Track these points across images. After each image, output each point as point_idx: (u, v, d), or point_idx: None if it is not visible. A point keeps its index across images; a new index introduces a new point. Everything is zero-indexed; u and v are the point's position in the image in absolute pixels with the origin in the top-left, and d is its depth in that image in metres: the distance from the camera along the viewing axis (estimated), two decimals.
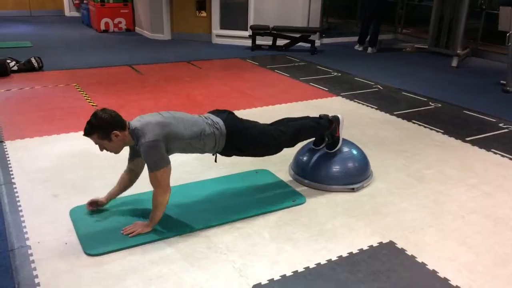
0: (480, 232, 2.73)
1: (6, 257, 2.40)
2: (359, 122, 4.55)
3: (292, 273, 2.32)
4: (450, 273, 2.35)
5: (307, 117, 3.22)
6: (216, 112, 2.86)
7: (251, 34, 8.09)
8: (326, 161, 3.19)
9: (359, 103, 5.18)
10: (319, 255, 2.47)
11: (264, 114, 4.68)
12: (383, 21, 8.48)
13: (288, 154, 3.19)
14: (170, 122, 2.56)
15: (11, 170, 3.34)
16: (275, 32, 7.99)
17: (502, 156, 3.84)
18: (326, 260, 2.42)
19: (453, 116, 4.83)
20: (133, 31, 9.99)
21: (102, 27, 9.76)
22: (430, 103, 5.27)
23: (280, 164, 3.42)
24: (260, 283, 2.24)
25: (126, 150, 2.69)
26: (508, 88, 5.87)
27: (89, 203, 2.77)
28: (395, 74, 6.64)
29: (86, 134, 2.50)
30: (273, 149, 2.97)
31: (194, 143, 2.62)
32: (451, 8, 7.50)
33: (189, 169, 3.33)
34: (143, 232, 2.56)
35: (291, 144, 3.04)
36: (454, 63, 7.21)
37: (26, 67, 6.19)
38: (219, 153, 2.81)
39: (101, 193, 2.99)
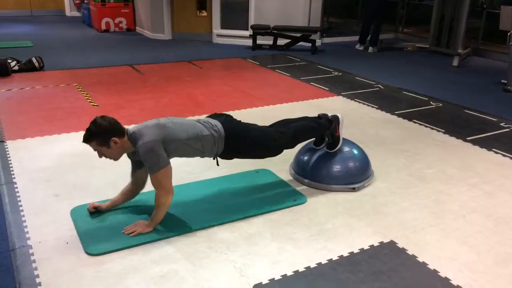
0: (481, 232, 2.73)
1: (7, 256, 2.40)
2: (360, 121, 4.55)
3: (293, 273, 2.32)
4: (451, 272, 2.35)
5: (307, 118, 3.22)
6: (214, 116, 2.87)
7: (251, 33, 8.08)
8: (327, 161, 3.19)
9: (360, 102, 5.18)
10: (320, 254, 2.47)
11: (265, 114, 4.68)
12: (384, 21, 8.48)
13: (289, 153, 3.19)
14: (167, 125, 2.59)
15: (12, 170, 3.35)
16: (275, 31, 7.99)
17: (503, 155, 3.83)
18: (327, 260, 2.42)
19: (454, 116, 4.83)
20: (133, 31, 10.00)
21: (103, 27, 9.76)
22: (431, 102, 5.26)
23: (280, 164, 3.42)
24: (261, 282, 2.24)
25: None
26: (509, 88, 5.86)
27: (92, 206, 2.77)
28: (396, 74, 6.64)
29: (85, 140, 2.53)
30: (273, 151, 2.97)
31: (192, 143, 2.63)
32: (452, 7, 7.49)
33: (190, 169, 3.33)
34: (144, 232, 2.56)
35: (291, 145, 3.04)
36: (455, 62, 7.20)
37: (27, 67, 6.19)
38: (219, 157, 2.81)
39: (102, 193, 3.01)
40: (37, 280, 2.22)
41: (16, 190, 3.07)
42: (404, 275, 2.34)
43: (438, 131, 4.35)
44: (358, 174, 3.20)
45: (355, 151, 3.29)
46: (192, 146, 2.64)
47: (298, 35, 8.06)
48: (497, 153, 3.88)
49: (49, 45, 8.10)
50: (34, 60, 6.27)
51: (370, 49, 8.20)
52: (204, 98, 5.22)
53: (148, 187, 2.79)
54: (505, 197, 3.15)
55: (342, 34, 9.66)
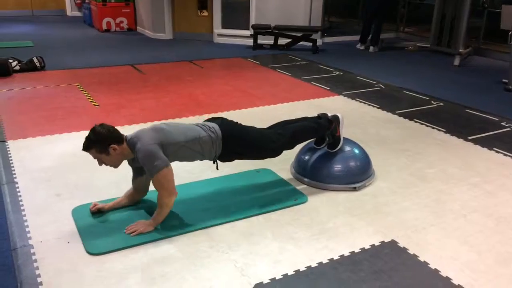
0: (482, 231, 2.73)
1: (9, 256, 2.40)
2: (361, 121, 4.55)
3: (294, 272, 2.32)
4: (452, 272, 2.35)
5: (307, 118, 3.22)
6: (211, 120, 2.90)
7: (252, 33, 8.08)
8: (328, 160, 3.19)
9: (361, 102, 5.18)
10: (321, 254, 2.47)
11: (265, 114, 4.68)
12: (385, 20, 8.47)
13: (290, 153, 3.19)
14: (164, 128, 2.63)
15: (14, 170, 3.35)
16: (276, 31, 7.99)
17: (505, 155, 3.83)
18: (328, 259, 2.43)
19: (455, 115, 4.82)
20: (134, 30, 10.00)
21: (104, 26, 9.77)
22: (432, 102, 5.26)
23: (281, 163, 3.42)
24: (262, 282, 2.25)
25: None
26: (510, 87, 5.85)
27: (95, 208, 2.78)
28: (397, 73, 6.64)
29: (85, 148, 2.55)
30: (272, 152, 2.99)
31: (191, 146, 2.65)
32: (453, 6, 7.48)
33: (190, 168, 3.33)
34: (145, 232, 2.57)
35: (290, 146, 3.05)
36: (456, 62, 7.19)
37: (28, 67, 6.20)
38: (219, 160, 2.83)
39: (103, 193, 3.01)
40: (39, 280, 2.22)
41: (17, 189, 3.08)
42: (405, 274, 2.34)
43: (439, 130, 4.35)
44: (359, 174, 3.20)
45: (356, 151, 3.28)
46: (192, 149, 2.66)
47: (299, 34, 8.06)
48: (498, 152, 3.88)
49: (50, 45, 8.11)
50: (35, 60, 6.27)
51: (371, 48, 8.19)
52: (205, 98, 5.22)
53: (151, 186, 2.80)
54: (506, 196, 3.15)
55: (343, 33, 9.65)
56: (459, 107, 5.09)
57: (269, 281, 2.26)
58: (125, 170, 2.80)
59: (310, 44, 8.00)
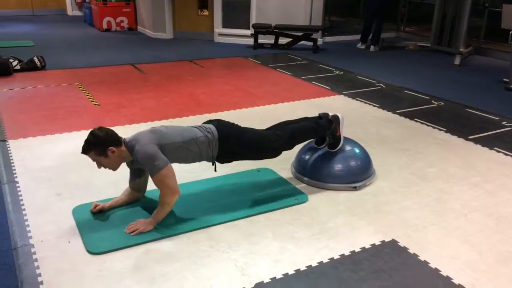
0: (483, 231, 2.72)
1: (10, 255, 2.41)
2: (362, 120, 4.55)
3: (295, 272, 2.32)
4: (453, 271, 2.35)
5: (307, 119, 3.22)
6: (208, 121, 2.92)
7: (253, 32, 8.08)
8: (328, 160, 3.18)
9: (361, 101, 5.18)
10: (321, 253, 2.47)
11: (266, 113, 4.68)
12: (385, 19, 8.46)
13: (290, 152, 3.19)
14: (161, 129, 2.66)
15: (14, 169, 3.35)
16: (277, 30, 7.99)
17: (505, 154, 3.83)
18: (329, 259, 2.43)
19: (456, 114, 4.82)
20: (135, 30, 10.00)
21: (104, 26, 9.77)
22: (433, 101, 5.26)
23: (282, 163, 3.42)
24: (263, 281, 2.25)
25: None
26: (511, 86, 5.85)
27: (96, 208, 2.79)
28: (397, 73, 6.63)
29: (84, 151, 2.58)
30: (271, 152, 2.99)
31: (188, 146, 2.66)
32: (454, 6, 7.47)
33: (190, 168, 3.32)
34: (145, 231, 2.57)
35: (289, 147, 3.05)
36: (457, 61, 7.19)
37: (29, 66, 6.20)
38: (217, 161, 2.84)
39: (103, 192, 3.01)
40: (39, 279, 2.22)
41: (18, 189, 3.08)
42: (406, 273, 2.34)
43: (440, 130, 4.35)
44: (360, 173, 3.20)
45: (357, 150, 3.28)
46: (189, 149, 2.68)
47: (300, 34, 8.06)
48: (498, 152, 3.87)
49: (50, 45, 8.11)
50: (35, 59, 6.27)
51: (372, 48, 8.19)
52: (206, 97, 5.22)
53: (151, 185, 2.80)
54: (507, 196, 3.15)
55: (343, 33, 9.65)
56: (460, 106, 5.09)
57: (270, 280, 2.26)
58: (125, 169, 2.81)
59: (311, 43, 8.00)
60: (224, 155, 2.82)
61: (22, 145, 3.77)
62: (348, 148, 3.24)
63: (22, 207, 2.85)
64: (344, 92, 5.50)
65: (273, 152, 2.99)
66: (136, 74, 6.25)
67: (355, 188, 3.14)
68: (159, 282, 2.22)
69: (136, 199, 2.89)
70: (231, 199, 2.98)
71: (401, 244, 2.57)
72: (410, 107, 5.02)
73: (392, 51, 8.22)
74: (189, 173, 3.27)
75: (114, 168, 2.66)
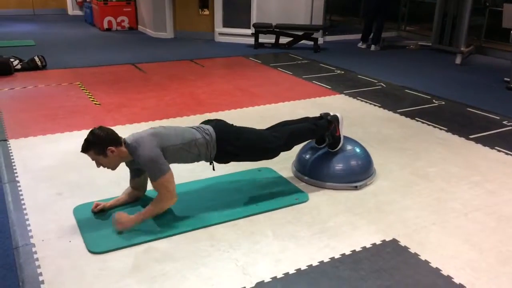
0: (484, 230, 2.72)
1: (11, 255, 2.41)
2: (362, 120, 4.55)
3: (295, 271, 2.33)
4: (453, 270, 2.35)
5: (307, 119, 3.22)
6: (206, 122, 2.93)
7: (254, 32, 8.08)
8: (329, 159, 3.18)
9: (362, 101, 5.17)
10: (322, 253, 2.47)
11: (267, 112, 4.68)
12: (386, 19, 8.45)
13: (291, 152, 3.18)
14: (162, 132, 2.66)
15: (15, 169, 3.36)
16: (278, 30, 7.99)
17: (506, 154, 3.82)
18: (329, 258, 2.43)
19: (457, 114, 4.82)
20: (136, 29, 10.01)
21: (105, 25, 9.78)
22: (434, 100, 5.25)
23: (282, 162, 3.42)
24: (263, 281, 2.25)
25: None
26: None
27: (97, 208, 2.79)
28: (398, 72, 6.63)
29: (83, 150, 2.59)
30: (269, 153, 2.99)
31: (188, 148, 2.68)
32: (455, 5, 7.47)
33: (191, 167, 3.32)
34: (126, 227, 2.55)
35: (287, 148, 3.04)
36: (458, 60, 7.18)
37: (30, 66, 6.20)
38: (215, 161, 2.84)
39: (104, 192, 3.01)
40: (40, 278, 2.23)
41: (19, 188, 3.08)
42: (406, 273, 2.34)
43: (441, 129, 4.34)
44: (360, 173, 3.20)
45: (357, 150, 3.28)
46: (188, 150, 2.69)
47: (300, 33, 8.06)
48: (499, 151, 3.87)
49: (51, 44, 8.12)
50: (36, 59, 6.28)
51: (373, 47, 8.19)
52: (206, 97, 5.22)
53: (151, 185, 2.80)
54: (508, 195, 3.15)
55: (344, 32, 9.65)
56: (461, 106, 5.09)
57: (271, 280, 2.26)
58: (126, 169, 2.81)
59: (312, 43, 7.99)
60: (221, 156, 2.83)
61: (23, 145, 3.78)
62: (348, 147, 3.24)
63: (23, 207, 2.86)
64: (345, 92, 5.50)
65: (271, 154, 3.00)
66: (137, 74, 6.25)
67: (355, 188, 3.14)
68: (159, 281, 2.23)
69: (136, 197, 2.89)
70: (231, 199, 2.98)
71: (402, 243, 2.57)
72: (411, 106, 5.02)
73: (393, 50, 8.22)
74: (189, 173, 3.28)
75: (113, 167, 2.67)
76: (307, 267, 2.35)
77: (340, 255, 2.46)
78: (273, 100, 5.11)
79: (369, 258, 2.43)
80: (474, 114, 4.82)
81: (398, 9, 9.92)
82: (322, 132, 3.12)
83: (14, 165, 3.41)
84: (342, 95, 5.40)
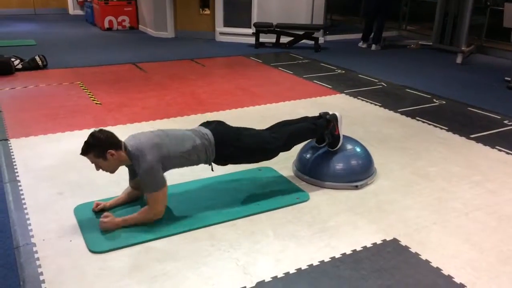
0: (484, 230, 2.72)
1: (11, 254, 2.41)
2: (363, 119, 4.55)
3: (296, 271, 2.33)
4: (454, 270, 2.35)
5: (306, 119, 3.22)
6: (206, 124, 2.91)
7: (254, 31, 8.08)
8: (330, 159, 3.18)
9: (363, 100, 5.17)
10: (322, 252, 2.47)
11: (267, 112, 4.68)
12: (387, 18, 8.45)
13: (292, 151, 3.18)
14: (164, 142, 2.64)
15: (16, 168, 3.36)
16: (278, 29, 7.98)
17: (507, 153, 3.82)
18: (330, 258, 2.43)
19: (458, 113, 4.81)
20: (136, 29, 10.01)
21: (106, 25, 9.78)
22: (434, 100, 5.25)
23: (283, 161, 3.42)
24: (264, 280, 2.25)
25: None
26: None
27: (97, 208, 2.80)
28: (399, 71, 6.62)
29: (83, 153, 2.58)
30: (268, 154, 3.00)
31: (187, 156, 2.69)
32: (456, 4, 7.46)
33: (191, 167, 3.33)
34: (109, 229, 2.57)
35: (287, 148, 3.05)
36: (459, 60, 7.18)
37: (30, 65, 6.21)
38: (214, 163, 2.85)
39: (105, 191, 3.02)
40: (41, 278, 2.23)
41: (19, 188, 3.09)
42: (407, 272, 2.34)
43: (441, 128, 4.34)
44: (361, 172, 3.20)
45: (358, 149, 3.28)
46: (188, 158, 2.71)
47: (301, 33, 8.05)
48: (500, 150, 3.87)
49: (52, 44, 8.12)
50: (37, 58, 6.28)
51: (373, 46, 8.18)
52: (207, 96, 5.22)
53: None
54: (509, 195, 3.14)
55: (345, 31, 9.64)
56: (462, 105, 5.08)
57: (271, 279, 2.26)
58: (125, 169, 2.81)
59: (312, 42, 7.99)
60: (221, 160, 2.85)
61: (24, 144, 3.78)
62: (349, 147, 3.24)
63: (24, 206, 2.86)
64: (345, 91, 5.50)
65: (270, 155, 3.00)
66: (138, 73, 6.25)
67: (356, 187, 3.14)
68: (160, 281, 2.23)
69: (136, 197, 2.90)
70: (232, 198, 2.98)
71: (403, 243, 2.57)
72: (411, 106, 5.02)
73: (394, 49, 8.22)
74: (189, 172, 3.27)
75: (112, 171, 2.66)
76: (307, 267, 2.35)
77: (341, 254, 2.46)
78: (273, 100, 5.11)
79: (370, 258, 2.43)
80: (475, 114, 4.82)
81: (398, 9, 9.91)
82: (321, 131, 3.12)
83: (15, 165, 3.41)
84: (343, 94, 5.40)
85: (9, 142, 3.82)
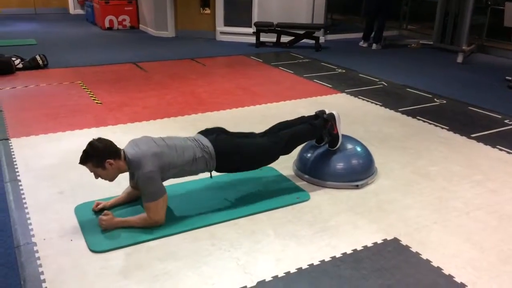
0: (485, 229, 2.72)
1: (12, 254, 2.41)
2: (364, 118, 4.54)
3: (296, 270, 2.33)
4: (455, 269, 2.35)
5: (302, 119, 3.21)
6: (205, 133, 2.88)
7: (255, 31, 8.08)
8: (330, 158, 3.18)
9: (363, 99, 5.17)
10: (323, 252, 2.47)
11: (268, 111, 4.68)
12: (388, 17, 8.44)
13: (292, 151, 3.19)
14: (164, 152, 2.62)
15: (17, 168, 3.36)
16: (279, 28, 7.98)
17: (508, 152, 3.82)
18: (330, 257, 2.43)
19: (458, 113, 4.81)
20: (137, 28, 10.01)
21: (107, 24, 9.78)
22: (435, 99, 5.25)
23: (283, 161, 3.41)
24: (265, 280, 2.25)
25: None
26: None
27: (97, 207, 2.80)
28: (399, 71, 6.62)
29: (81, 162, 2.57)
30: (269, 160, 3.01)
31: (187, 167, 2.70)
32: (456, 3, 7.46)
33: None
34: (107, 229, 2.58)
35: (286, 152, 3.05)
36: (460, 59, 7.17)
37: (31, 65, 6.21)
38: (215, 171, 2.86)
39: (105, 191, 3.01)
40: (42, 277, 2.23)
41: (20, 187, 3.09)
42: (408, 272, 2.33)
43: (442, 128, 4.34)
44: (362, 172, 3.20)
45: (359, 149, 3.28)
46: (188, 170, 2.72)
47: (302, 32, 8.05)
48: (501, 150, 3.86)
49: (52, 43, 8.12)
50: (38, 58, 6.28)
51: (374, 46, 8.18)
52: (208, 96, 5.22)
53: None
54: (509, 194, 3.14)
55: (345, 31, 9.64)
56: (462, 104, 5.08)
57: (272, 279, 2.26)
58: None
59: (313, 41, 7.99)
60: (222, 169, 2.86)
61: (24, 144, 3.78)
62: (350, 146, 3.24)
63: (25, 206, 2.86)
64: (346, 90, 5.50)
65: (270, 160, 3.01)
66: (138, 73, 6.25)
67: (357, 187, 3.14)
68: (161, 280, 2.23)
69: (136, 197, 2.89)
70: (232, 198, 2.98)
71: (403, 242, 2.57)
72: (412, 105, 5.01)
73: (394, 49, 8.21)
74: None
75: (111, 179, 2.65)
76: (308, 266, 2.35)
77: (341, 254, 2.46)
78: (274, 99, 5.11)
79: (370, 257, 2.43)
80: (476, 113, 4.82)
81: (399, 8, 9.91)
82: (320, 131, 3.12)
83: (16, 164, 3.41)
84: (344, 94, 5.40)
85: (9, 141, 3.82)
